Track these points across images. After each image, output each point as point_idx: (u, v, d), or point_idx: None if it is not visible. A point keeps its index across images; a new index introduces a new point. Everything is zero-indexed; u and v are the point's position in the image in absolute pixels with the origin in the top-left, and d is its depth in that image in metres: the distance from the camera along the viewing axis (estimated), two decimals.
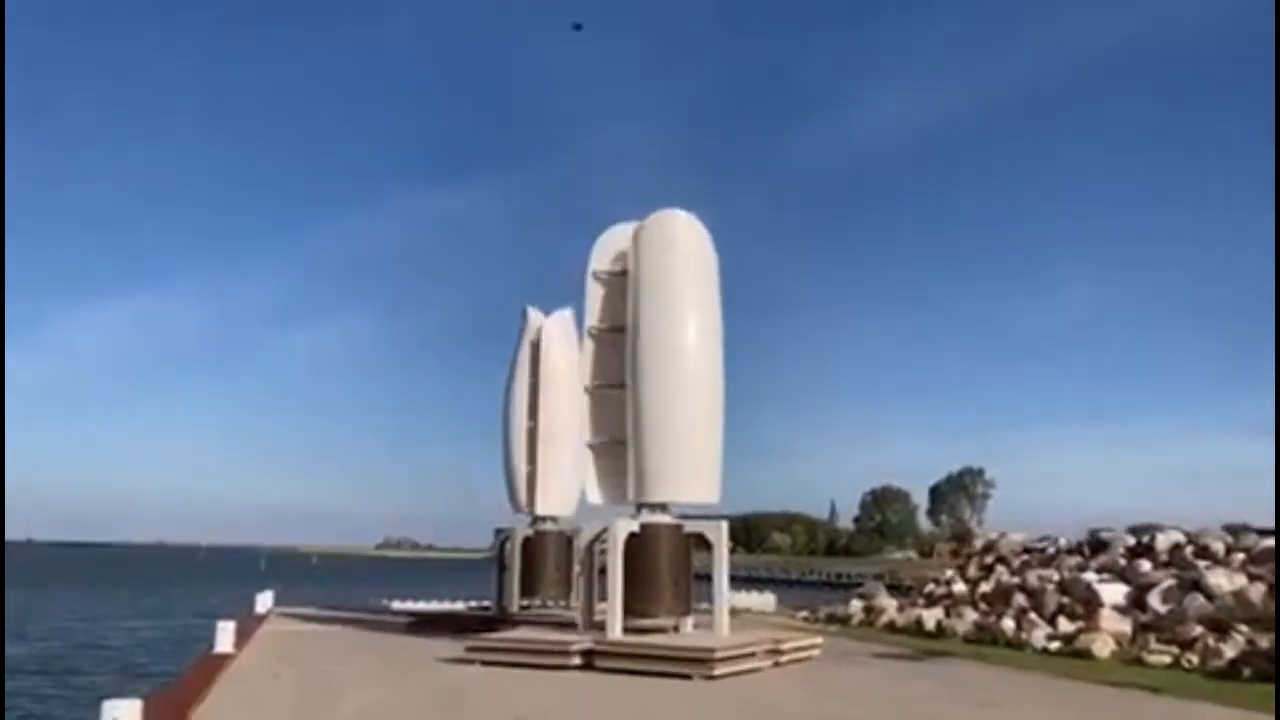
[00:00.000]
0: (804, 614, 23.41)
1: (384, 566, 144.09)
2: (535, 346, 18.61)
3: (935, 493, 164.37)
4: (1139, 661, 14.14)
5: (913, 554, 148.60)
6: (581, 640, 12.69)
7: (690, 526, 13.72)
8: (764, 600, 26.17)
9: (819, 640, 14.54)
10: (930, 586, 21.73)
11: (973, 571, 21.37)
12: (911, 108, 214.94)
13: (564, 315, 18.53)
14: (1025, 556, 20.76)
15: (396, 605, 23.17)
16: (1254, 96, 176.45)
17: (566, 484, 18.04)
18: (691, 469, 13.67)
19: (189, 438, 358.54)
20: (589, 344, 14.52)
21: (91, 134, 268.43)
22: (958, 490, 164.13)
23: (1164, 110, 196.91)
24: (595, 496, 14.10)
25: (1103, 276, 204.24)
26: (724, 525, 13.80)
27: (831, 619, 21.60)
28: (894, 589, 26.37)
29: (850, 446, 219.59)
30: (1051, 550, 20.45)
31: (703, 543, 13.68)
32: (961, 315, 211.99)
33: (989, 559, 21.61)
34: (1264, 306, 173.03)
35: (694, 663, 11.77)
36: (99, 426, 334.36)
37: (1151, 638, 14.75)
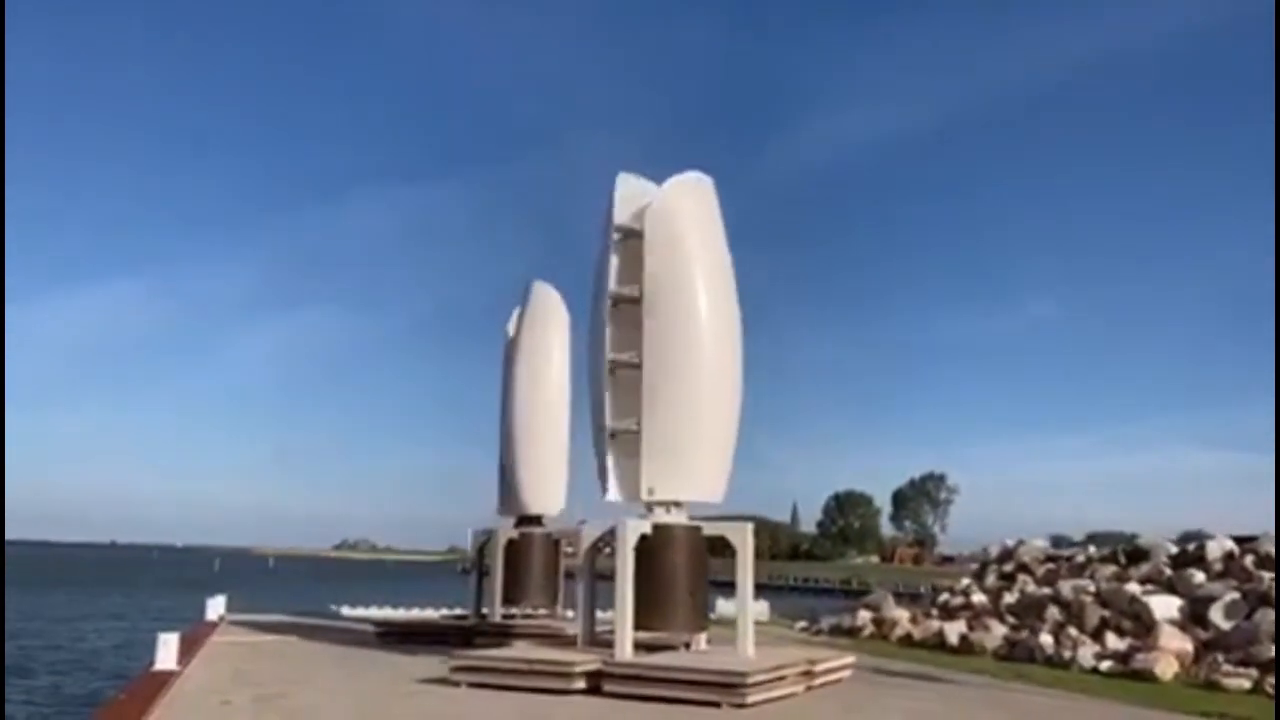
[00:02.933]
0: (802, 624, 21.67)
1: (342, 568, 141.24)
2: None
3: (898, 497, 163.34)
4: (1211, 685, 12.54)
5: (874, 558, 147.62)
6: (587, 660, 10.88)
7: (709, 529, 11.96)
8: (758, 609, 24.34)
9: (851, 659, 12.80)
10: (945, 596, 20.02)
11: (991, 581, 19.72)
12: (876, 120, 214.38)
13: (547, 289, 16.64)
14: (1050, 565, 19.15)
15: (362, 612, 21.10)
16: (1222, 112, 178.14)
17: (552, 480, 16.37)
18: (702, 462, 11.89)
19: (143, 436, 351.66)
20: (607, 313, 12.16)
21: (49, 123, 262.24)
22: (920, 495, 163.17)
23: (1130, 125, 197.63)
24: (615, 493, 11.94)
25: (1066, 290, 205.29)
26: (749, 527, 12.08)
27: (837, 630, 19.88)
28: (861, 594, 24.75)
29: (813, 450, 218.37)
30: (1081, 558, 18.83)
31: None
32: (925, 325, 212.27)
33: (1008, 567, 19.99)
34: (1224, 321, 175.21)
35: (723, 688, 9.99)
36: (49, 422, 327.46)
37: (1220, 658, 13.16)
